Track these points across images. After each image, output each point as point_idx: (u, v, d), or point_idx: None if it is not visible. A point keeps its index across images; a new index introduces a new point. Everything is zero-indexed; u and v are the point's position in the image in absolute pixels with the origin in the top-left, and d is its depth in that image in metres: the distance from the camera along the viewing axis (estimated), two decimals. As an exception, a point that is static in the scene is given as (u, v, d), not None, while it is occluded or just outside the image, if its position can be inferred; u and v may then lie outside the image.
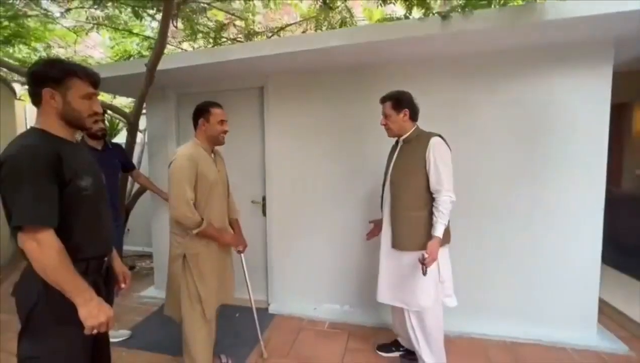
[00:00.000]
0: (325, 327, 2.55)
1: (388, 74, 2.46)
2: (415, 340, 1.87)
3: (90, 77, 1.15)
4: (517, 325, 2.33)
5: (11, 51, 3.63)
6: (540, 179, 2.27)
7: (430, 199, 1.78)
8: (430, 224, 1.75)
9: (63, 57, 1.32)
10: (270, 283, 2.87)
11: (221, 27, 3.41)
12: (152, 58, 2.25)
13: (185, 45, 3.84)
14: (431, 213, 1.76)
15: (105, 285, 1.23)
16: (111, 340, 2.32)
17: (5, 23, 3.27)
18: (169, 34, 3.52)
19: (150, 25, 4.05)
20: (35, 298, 1.02)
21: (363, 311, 2.62)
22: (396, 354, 2.14)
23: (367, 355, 2.18)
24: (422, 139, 1.81)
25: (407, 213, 1.81)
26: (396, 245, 1.85)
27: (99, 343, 1.28)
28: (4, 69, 3.42)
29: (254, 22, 3.55)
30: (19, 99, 4.63)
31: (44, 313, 1.03)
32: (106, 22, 3.17)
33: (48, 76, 1.07)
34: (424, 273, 1.66)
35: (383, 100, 1.89)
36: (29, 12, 3.10)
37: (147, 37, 3.90)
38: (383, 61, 2.44)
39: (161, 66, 2.47)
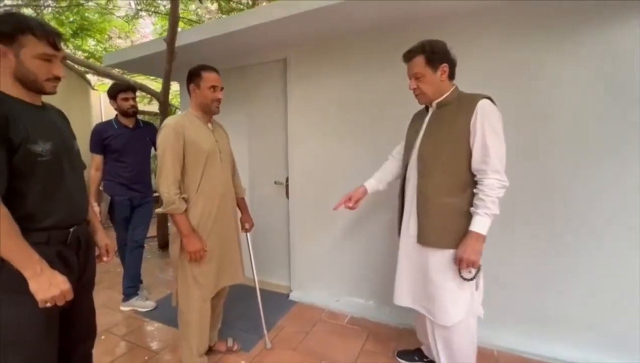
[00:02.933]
0: (345, 321, 2.32)
1: (424, 35, 2.02)
2: (437, 357, 1.51)
3: (49, 36, 1.04)
4: (589, 351, 1.78)
5: (79, 43, 4.04)
6: (624, 160, 1.66)
7: (473, 182, 1.36)
8: (470, 214, 1.34)
9: (21, 13, 1.23)
10: (292, 269, 2.73)
11: (254, 2, 3.28)
12: (169, 31, 2.21)
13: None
14: (472, 200, 1.35)
15: (78, 257, 1.18)
16: (138, 309, 2.49)
17: (72, 17, 3.65)
18: (204, 15, 3.53)
19: (195, 11, 4.16)
20: None
21: (389, 309, 2.31)
22: None
23: (384, 360, 1.89)
24: (465, 101, 1.37)
25: (440, 199, 1.38)
26: (422, 239, 1.44)
27: (78, 315, 1.24)
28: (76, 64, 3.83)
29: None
30: (94, 89, 5.24)
31: (3, 279, 0.99)
32: (148, 7, 3.28)
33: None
34: (468, 278, 1.30)
35: (409, 56, 1.44)
36: (86, 4, 3.36)
37: (191, 21, 4.00)
38: (420, 17, 2.01)
39: (182, 42, 2.44)
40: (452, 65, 1.43)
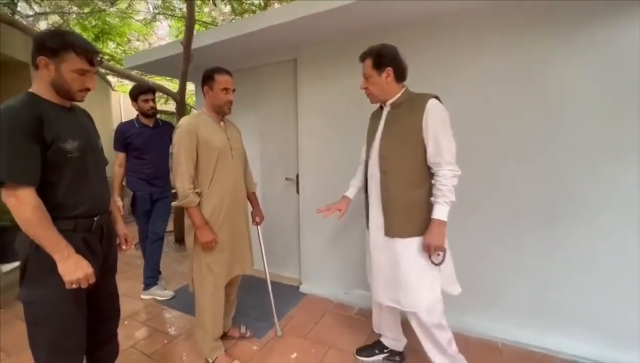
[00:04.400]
0: (353, 312, 2.40)
1: (427, 35, 2.09)
2: (425, 346, 1.57)
3: (88, 55, 1.16)
4: (593, 345, 1.81)
5: (101, 46, 4.24)
6: (627, 156, 1.67)
7: (430, 174, 1.47)
8: (430, 204, 1.45)
9: (68, 29, 1.34)
10: (302, 262, 2.82)
11: (265, 4, 3.38)
12: (185, 35, 2.32)
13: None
14: (431, 191, 1.46)
15: (101, 243, 1.30)
16: (158, 298, 2.64)
17: (94, 22, 3.84)
18: (218, 17, 3.65)
19: (209, 13, 4.29)
20: (28, 250, 1.11)
21: (396, 302, 2.37)
22: (379, 357, 1.85)
23: (390, 349, 1.96)
24: (416, 102, 1.47)
25: (403, 192, 1.49)
26: (390, 231, 1.52)
27: (103, 296, 1.36)
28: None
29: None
30: (114, 90, 5.47)
31: (36, 263, 1.12)
32: (165, 10, 3.42)
33: (45, 46, 1.11)
34: (437, 262, 1.44)
35: (362, 57, 1.55)
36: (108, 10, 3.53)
37: (205, 23, 4.13)
38: (424, 18, 2.05)
39: (198, 44, 2.56)
40: (398, 69, 1.50)
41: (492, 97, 1.95)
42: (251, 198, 2.02)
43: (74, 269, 1.09)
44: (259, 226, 2.13)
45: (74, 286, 1.10)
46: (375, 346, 1.89)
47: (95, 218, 1.24)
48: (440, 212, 1.40)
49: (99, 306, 1.34)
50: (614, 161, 1.71)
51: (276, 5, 3.48)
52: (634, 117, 1.65)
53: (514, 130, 1.92)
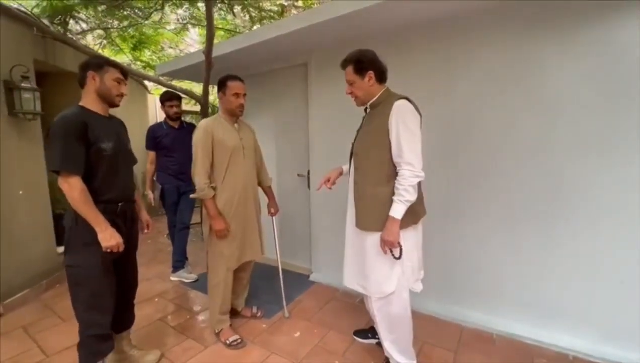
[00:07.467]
0: (357, 300, 2.56)
1: (428, 38, 2.18)
2: (377, 328, 1.70)
3: (121, 68, 1.54)
4: (587, 339, 1.84)
5: (138, 54, 4.69)
6: (623, 154, 1.69)
7: (396, 173, 1.52)
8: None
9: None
10: (313, 252, 3.02)
11: (282, 10, 3.58)
12: (206, 45, 2.59)
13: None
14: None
15: (125, 224, 1.58)
16: (184, 280, 2.97)
17: (132, 33, 4.27)
18: (240, 24, 3.91)
19: (232, 21, 4.58)
20: (71, 223, 1.43)
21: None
22: (372, 341, 1.99)
23: (386, 333, 2.11)
24: (388, 102, 1.53)
25: (370, 189, 1.57)
26: (358, 223, 1.63)
27: (126, 267, 1.68)
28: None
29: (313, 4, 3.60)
30: (150, 93, 5.97)
31: (77, 235, 1.43)
32: (192, 21, 3.74)
33: (92, 63, 1.48)
34: (396, 256, 1.50)
35: (344, 65, 1.63)
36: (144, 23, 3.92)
37: (228, 31, 4.43)
38: (425, 22, 2.15)
39: (218, 53, 2.82)
40: (379, 71, 1.58)
41: (490, 97, 2.02)
42: (267, 191, 2.24)
43: (110, 238, 1.41)
44: (273, 217, 2.34)
45: (109, 250, 1.41)
46: (369, 331, 2.05)
47: (120, 204, 1.54)
48: (394, 210, 1.46)
49: (125, 275, 1.67)
50: (607, 159, 1.73)
51: (293, 11, 3.68)
52: (634, 116, 1.66)
53: (513, 130, 1.97)
